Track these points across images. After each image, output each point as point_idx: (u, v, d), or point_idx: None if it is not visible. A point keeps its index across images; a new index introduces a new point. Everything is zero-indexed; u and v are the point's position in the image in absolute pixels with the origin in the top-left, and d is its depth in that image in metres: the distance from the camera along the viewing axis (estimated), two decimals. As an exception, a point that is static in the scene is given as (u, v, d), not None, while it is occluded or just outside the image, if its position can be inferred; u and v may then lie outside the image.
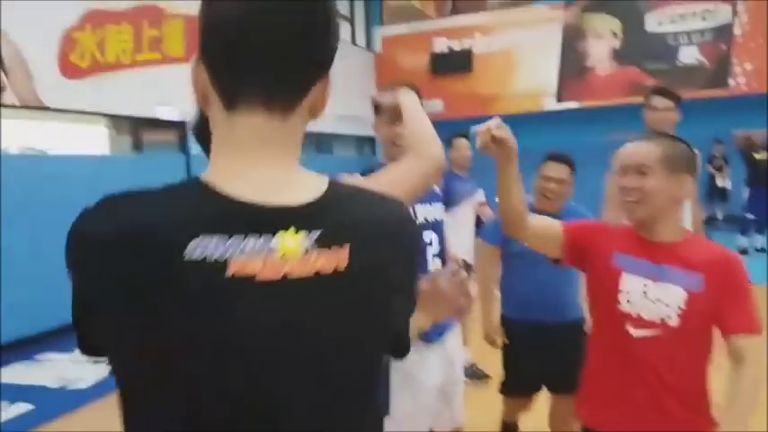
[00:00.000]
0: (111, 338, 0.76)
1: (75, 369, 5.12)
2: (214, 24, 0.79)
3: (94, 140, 7.60)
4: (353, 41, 13.79)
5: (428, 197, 2.33)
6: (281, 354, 0.74)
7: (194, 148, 8.44)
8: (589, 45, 12.70)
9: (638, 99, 13.07)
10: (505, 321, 2.93)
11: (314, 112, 0.86)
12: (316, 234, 0.76)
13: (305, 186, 0.81)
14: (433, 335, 2.31)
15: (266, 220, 0.75)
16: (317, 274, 0.75)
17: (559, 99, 12.87)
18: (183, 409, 0.74)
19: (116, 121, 7.57)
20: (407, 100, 1.76)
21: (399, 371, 2.27)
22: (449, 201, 3.68)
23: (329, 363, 0.78)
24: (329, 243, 0.76)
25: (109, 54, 7.01)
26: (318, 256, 0.75)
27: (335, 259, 0.76)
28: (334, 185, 0.83)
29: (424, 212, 2.33)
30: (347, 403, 0.81)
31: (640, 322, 1.65)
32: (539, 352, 2.77)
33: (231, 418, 0.73)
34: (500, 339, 2.94)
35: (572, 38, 12.80)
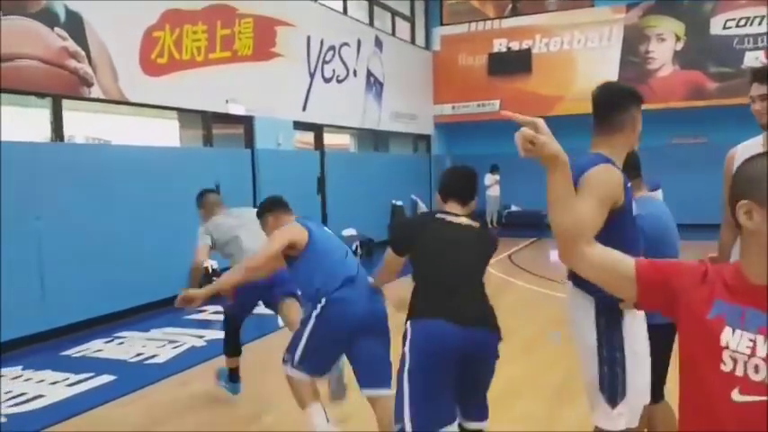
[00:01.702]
0: (410, 248, 2.78)
1: (151, 346, 5.49)
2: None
3: (168, 133, 8.02)
4: (413, 41, 14.00)
5: None
6: (475, 245, 2.72)
7: (260, 142, 8.76)
8: (651, 47, 12.58)
9: (701, 103, 12.67)
10: None
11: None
12: (470, 219, 2.74)
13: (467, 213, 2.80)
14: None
15: (455, 218, 2.72)
16: (470, 226, 2.70)
17: (619, 101, 12.76)
18: (428, 270, 2.68)
19: (188, 115, 7.97)
20: None
21: (634, 353, 2.24)
22: None
23: (471, 256, 2.66)
24: (473, 221, 2.74)
25: (185, 52, 7.41)
26: (471, 223, 2.71)
27: (476, 225, 2.71)
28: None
29: None
30: (476, 274, 2.69)
31: (748, 385, 1.31)
32: None
33: (441, 272, 2.63)
34: None
35: (633, 40, 12.70)
